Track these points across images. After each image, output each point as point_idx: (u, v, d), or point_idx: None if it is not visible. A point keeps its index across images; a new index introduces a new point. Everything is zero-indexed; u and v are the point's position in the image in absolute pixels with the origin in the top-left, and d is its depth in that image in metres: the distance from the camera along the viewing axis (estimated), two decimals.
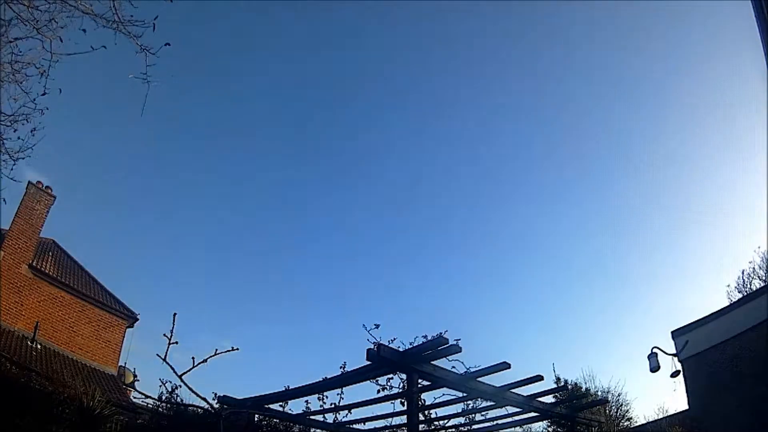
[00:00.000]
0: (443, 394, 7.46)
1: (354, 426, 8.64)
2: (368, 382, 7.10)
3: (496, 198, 38.06)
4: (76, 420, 6.07)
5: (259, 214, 40.43)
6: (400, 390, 7.20)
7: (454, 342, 5.94)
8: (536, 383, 7.26)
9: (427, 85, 34.63)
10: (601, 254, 37.34)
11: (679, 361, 12.63)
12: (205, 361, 6.89)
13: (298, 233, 40.65)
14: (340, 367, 7.01)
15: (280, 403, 7.97)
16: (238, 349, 7.16)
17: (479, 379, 6.75)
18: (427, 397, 7.57)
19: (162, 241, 37.02)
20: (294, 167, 38.77)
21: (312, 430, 8.69)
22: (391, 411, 7.70)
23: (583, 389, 17.02)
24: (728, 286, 21.93)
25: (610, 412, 17.32)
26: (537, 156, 36.28)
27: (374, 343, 6.28)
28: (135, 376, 16.02)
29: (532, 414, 8.35)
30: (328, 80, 34.85)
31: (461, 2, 29.84)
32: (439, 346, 5.99)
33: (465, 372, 6.64)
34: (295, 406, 8.09)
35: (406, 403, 6.68)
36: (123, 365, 17.60)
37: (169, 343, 6.75)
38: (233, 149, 36.82)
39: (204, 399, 7.05)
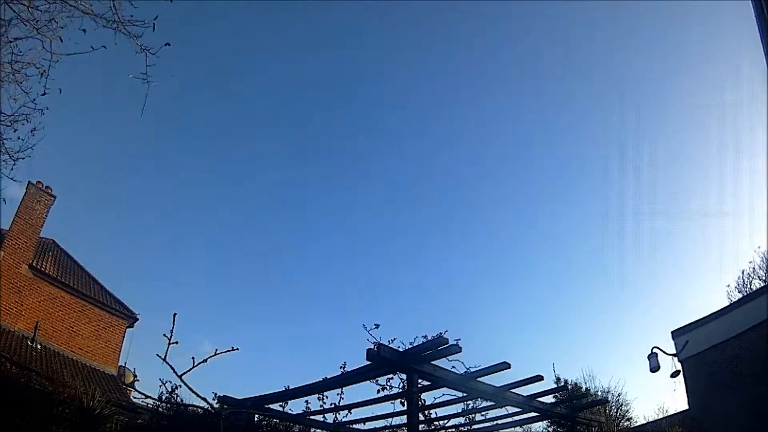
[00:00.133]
0: (443, 394, 7.47)
1: (354, 426, 8.63)
2: (368, 382, 7.10)
3: (497, 198, 38.09)
4: (76, 420, 6.07)
5: (259, 214, 40.47)
6: (400, 390, 7.20)
7: (454, 342, 5.94)
8: (536, 383, 7.26)
9: (427, 85, 34.67)
10: (601, 254, 37.37)
11: (679, 361, 12.62)
12: (205, 361, 6.89)
13: (298, 233, 40.68)
14: (340, 367, 7.02)
15: (280, 403, 7.96)
16: (238, 349, 7.16)
17: (479, 379, 6.75)
18: (427, 397, 7.57)
19: (162, 241, 37.06)
20: (294, 167, 38.80)
21: (312, 430, 8.68)
22: (391, 411, 7.71)
23: (583, 389, 17.02)
24: (728, 286, 21.96)
25: (610, 412, 17.32)
26: (537, 156, 36.31)
27: (374, 343, 6.29)
28: (135, 376, 16.03)
29: (532, 414, 8.35)
30: (329, 80, 34.90)
31: (461, 2, 29.86)
32: (439, 346, 5.99)
33: (465, 372, 6.63)
34: (295, 406, 8.10)
35: (406, 403, 6.68)
36: (123, 365, 17.61)
37: (169, 343, 6.75)
38: (233, 149, 36.87)
39: (204, 399, 7.06)
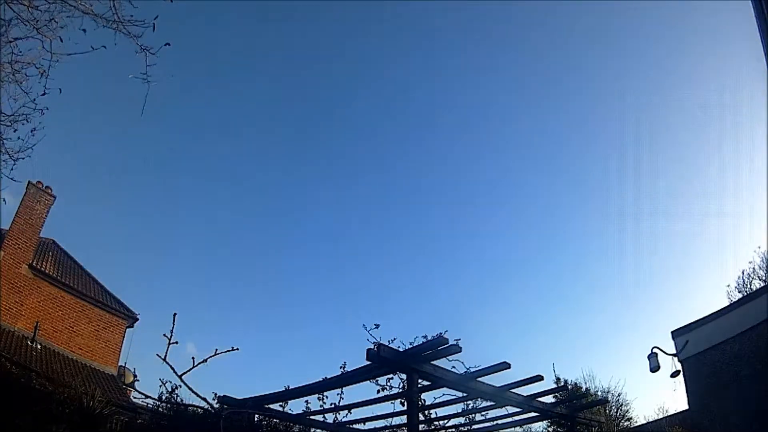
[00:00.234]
0: (443, 394, 7.46)
1: (354, 426, 8.63)
2: (368, 382, 7.09)
3: (498, 198, 38.08)
4: (76, 420, 6.07)
5: (258, 215, 40.46)
6: (400, 390, 7.20)
7: (454, 342, 5.93)
8: (536, 383, 7.26)
9: (428, 84, 34.66)
10: (601, 254, 37.36)
11: (679, 361, 12.62)
12: (205, 361, 6.91)
13: (298, 234, 40.66)
14: (340, 367, 7.01)
15: (280, 403, 7.96)
16: (237, 349, 7.18)
17: (479, 379, 6.75)
18: (427, 397, 7.56)
19: (162, 242, 37.04)
20: (294, 168, 38.78)
21: (312, 430, 8.67)
22: (391, 411, 7.70)
23: (583, 389, 17.05)
24: (728, 286, 21.96)
25: (610, 412, 17.34)
26: (537, 156, 36.30)
27: (374, 343, 6.29)
28: (135, 376, 16.04)
29: (532, 414, 8.34)
30: (329, 81, 34.88)
31: (462, 2, 29.85)
32: (439, 346, 5.99)
33: (465, 372, 6.63)
34: (295, 406, 8.10)
35: (406, 403, 6.68)
36: (123, 365, 17.61)
37: (169, 343, 6.77)
38: (233, 149, 36.85)
39: (204, 399, 7.07)
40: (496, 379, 6.89)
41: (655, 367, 12.11)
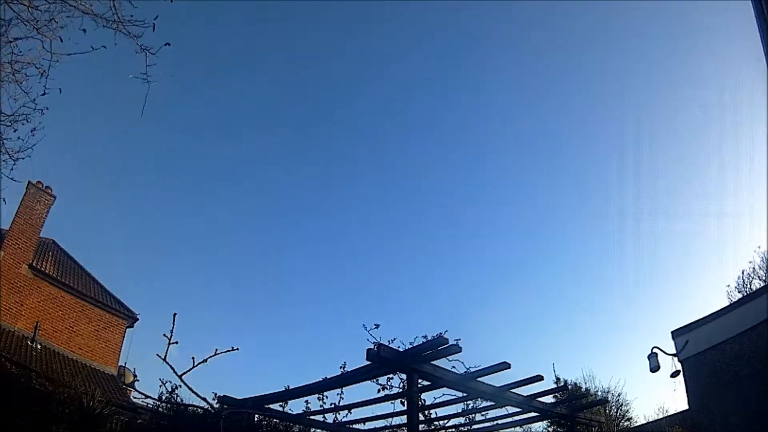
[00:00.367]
0: (443, 394, 7.47)
1: (354, 426, 8.63)
2: (368, 382, 7.09)
3: (498, 199, 38.08)
4: (76, 420, 6.07)
5: (258, 215, 40.46)
6: (400, 390, 7.20)
7: (454, 342, 5.94)
8: (536, 383, 7.26)
9: (428, 84, 34.65)
10: (601, 254, 37.37)
11: (679, 361, 12.62)
12: (205, 361, 6.92)
13: (298, 234, 40.66)
14: (340, 367, 7.01)
15: (280, 403, 7.96)
16: (237, 349, 7.19)
17: (479, 379, 6.75)
18: (427, 397, 7.57)
19: (162, 242, 37.04)
20: (294, 168, 38.78)
21: (312, 430, 8.68)
22: (391, 411, 7.71)
23: (583, 389, 17.05)
24: (728, 286, 21.95)
25: (610, 412, 17.34)
26: (537, 156, 36.31)
27: (374, 343, 6.29)
28: (135, 376, 16.04)
29: (532, 414, 8.34)
30: (329, 81, 34.88)
31: (462, 2, 29.85)
32: (439, 346, 5.99)
33: (465, 372, 6.63)
34: (295, 407, 8.10)
35: (406, 403, 6.68)
36: (123, 365, 17.62)
37: (169, 343, 6.77)
38: (233, 149, 36.84)
39: (204, 399, 7.07)
40: (496, 379, 6.90)
41: (655, 367, 12.10)
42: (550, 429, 14.40)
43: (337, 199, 38.22)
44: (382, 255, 40.98)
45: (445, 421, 8.82)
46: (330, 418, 8.34)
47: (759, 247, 20.73)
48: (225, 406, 7.36)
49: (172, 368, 6.82)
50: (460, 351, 6.04)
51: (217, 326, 30.29)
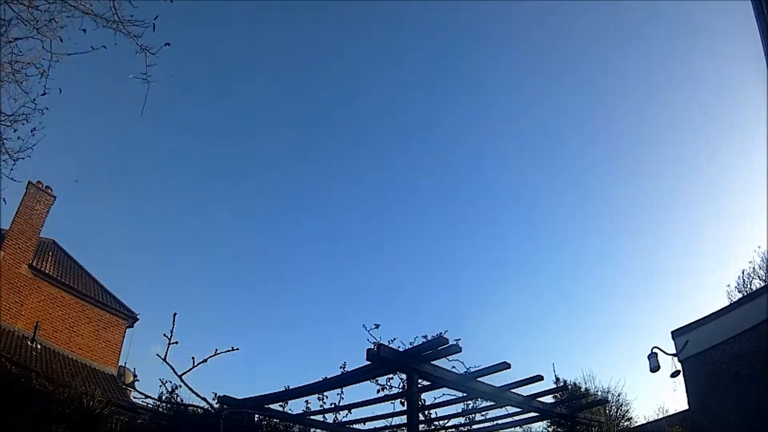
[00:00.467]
0: (443, 394, 7.46)
1: (354, 426, 8.63)
2: (368, 382, 7.09)
3: (499, 199, 38.09)
4: (76, 420, 6.07)
5: (258, 216, 40.45)
6: (400, 390, 7.20)
7: (454, 342, 5.93)
8: (536, 383, 7.26)
9: (428, 84, 34.66)
10: (601, 255, 37.36)
11: (679, 361, 12.62)
12: (205, 361, 6.91)
13: (298, 234, 40.66)
14: (340, 367, 7.01)
15: (280, 403, 7.96)
16: (237, 349, 7.18)
17: (479, 379, 6.75)
18: (427, 397, 7.56)
19: (162, 242, 37.04)
20: (294, 169, 38.78)
21: (312, 430, 8.68)
22: (391, 411, 7.70)
23: (583, 389, 17.05)
24: (728, 286, 21.97)
25: (610, 412, 17.34)
26: (538, 157, 36.31)
27: (374, 343, 6.29)
28: (135, 376, 16.04)
29: (532, 414, 8.34)
30: (329, 82, 34.87)
31: (462, 2, 29.86)
32: (439, 346, 5.99)
33: (465, 372, 6.63)
34: (295, 407, 8.10)
35: (406, 403, 6.68)
36: (123, 365, 17.62)
37: (169, 343, 6.77)
38: (233, 150, 36.85)
39: (204, 399, 7.06)
40: (496, 379, 6.90)
41: (655, 367, 12.11)
42: (550, 429, 14.40)
43: (337, 199, 38.26)
44: (382, 255, 41.00)
45: (445, 421, 8.82)
46: (330, 418, 8.34)
47: (759, 247, 20.76)
48: (225, 406, 7.36)
49: (172, 368, 6.83)
50: (460, 351, 6.04)
51: (217, 326, 30.30)
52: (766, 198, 10.11)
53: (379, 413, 8.06)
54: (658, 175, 34.36)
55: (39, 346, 14.87)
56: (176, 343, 6.79)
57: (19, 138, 5.33)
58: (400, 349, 6.17)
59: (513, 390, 7.25)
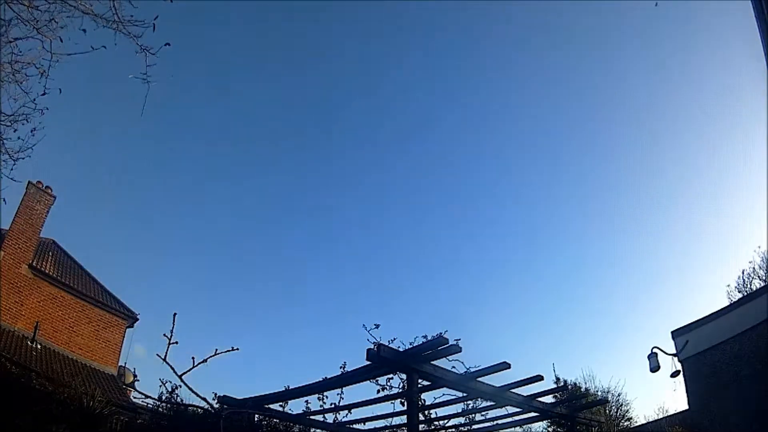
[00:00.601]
0: (443, 394, 7.47)
1: (354, 426, 8.63)
2: (368, 382, 7.10)
3: (499, 200, 38.09)
4: (76, 420, 6.07)
5: (258, 216, 40.44)
6: (400, 390, 7.20)
7: (454, 342, 5.94)
8: (536, 383, 7.26)
9: (428, 84, 34.67)
10: (601, 255, 37.37)
11: (679, 361, 12.62)
12: (205, 361, 6.91)
13: (298, 235, 40.65)
14: (340, 367, 7.01)
15: (280, 403, 7.96)
16: (237, 349, 7.18)
17: (479, 379, 6.75)
18: (427, 397, 7.57)
19: (162, 242, 37.03)
20: (294, 169, 38.78)
21: (312, 430, 8.68)
22: (391, 411, 7.71)
23: (583, 389, 17.04)
24: (728, 286, 21.96)
25: (610, 412, 17.33)
26: (538, 157, 36.32)
27: (374, 343, 6.29)
28: (135, 376, 16.04)
29: (532, 414, 8.34)
30: (330, 82, 34.88)
31: (462, 2, 29.85)
32: (439, 346, 5.99)
33: (465, 372, 6.63)
34: (295, 407, 8.10)
35: (406, 403, 6.68)
36: (123, 365, 17.62)
37: (169, 343, 6.77)
38: (233, 150, 36.84)
39: (204, 399, 7.07)
40: (496, 379, 6.91)
41: (655, 367, 12.10)
42: (550, 429, 14.39)
43: (337, 199, 38.25)
44: (382, 255, 41.00)
45: (445, 421, 8.82)
46: (330, 418, 8.35)
47: (759, 247, 20.75)
48: (225, 406, 7.36)
49: (172, 368, 6.83)
50: (460, 351, 6.04)
51: (217, 326, 30.30)
52: (766, 198, 10.10)
53: (379, 413, 8.07)
54: (658, 176, 34.39)
55: (39, 346, 14.87)
56: (176, 343, 6.80)
57: (19, 138, 5.35)
58: (400, 349, 6.17)
59: (513, 390, 7.25)
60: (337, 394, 7.71)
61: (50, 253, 17.86)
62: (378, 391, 7.34)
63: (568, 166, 35.59)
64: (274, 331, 40.15)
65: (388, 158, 37.54)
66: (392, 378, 7.25)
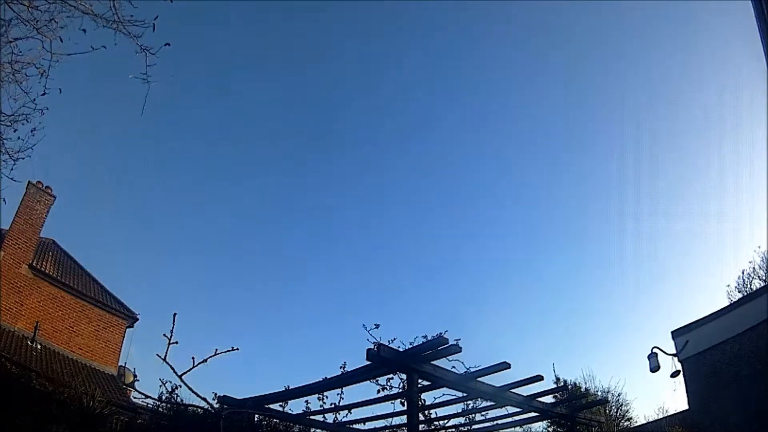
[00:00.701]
0: (443, 394, 7.47)
1: (354, 426, 8.63)
2: (368, 382, 7.10)
3: (499, 200, 38.09)
4: (76, 420, 6.07)
5: (258, 217, 40.43)
6: (400, 390, 7.20)
7: (454, 342, 5.94)
8: (536, 383, 7.26)
9: (428, 84, 34.68)
10: (601, 255, 37.37)
11: (679, 361, 12.62)
12: (205, 361, 6.91)
13: (298, 235, 40.64)
14: (340, 367, 7.01)
15: (280, 403, 7.97)
16: (237, 349, 7.18)
17: (479, 379, 6.75)
18: (427, 397, 7.57)
19: (162, 242, 37.03)
20: (294, 169, 38.79)
21: (312, 430, 8.68)
22: (391, 411, 7.71)
23: (583, 389, 17.03)
24: (728, 286, 21.94)
25: (610, 412, 17.33)
26: (538, 157, 36.32)
27: (374, 343, 6.29)
28: (135, 376, 16.05)
29: (532, 414, 8.34)
30: (330, 82, 34.88)
31: (463, 2, 29.86)
32: (439, 346, 5.99)
33: (465, 372, 6.63)
34: (295, 407, 8.10)
35: (406, 403, 6.68)
36: (123, 365, 17.62)
37: (169, 343, 6.77)
38: (233, 150, 36.84)
39: (204, 399, 7.07)
40: (496, 379, 6.90)
41: (655, 367, 12.10)
42: (550, 429, 14.38)
43: (337, 199, 38.25)
44: (382, 255, 41.00)
45: (445, 421, 8.82)
46: (330, 418, 8.35)
47: (759, 247, 20.74)
48: (225, 406, 7.36)
49: (172, 368, 6.83)
50: (460, 351, 6.04)
51: (217, 326, 30.28)
52: (766, 198, 10.11)
53: (379, 413, 8.07)
54: (658, 176, 34.39)
55: (39, 346, 14.87)
56: (176, 343, 6.80)
57: (19, 138, 5.35)
58: (400, 349, 6.17)
59: (513, 390, 7.25)
60: (337, 394, 7.72)
61: (50, 253, 17.86)
62: (378, 391, 7.34)
63: (568, 166, 35.61)
64: (274, 331, 40.17)
65: (388, 158, 37.56)
66: (392, 378, 7.26)
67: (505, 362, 6.55)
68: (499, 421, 8.54)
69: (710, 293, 29.76)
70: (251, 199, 38.62)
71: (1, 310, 13.83)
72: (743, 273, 21.41)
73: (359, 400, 7.63)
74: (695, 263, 36.50)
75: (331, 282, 40.92)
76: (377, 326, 6.67)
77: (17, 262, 15.53)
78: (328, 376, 7.07)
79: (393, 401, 7.43)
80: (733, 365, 11.53)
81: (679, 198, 35.21)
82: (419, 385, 6.41)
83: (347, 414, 8.17)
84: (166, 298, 33.00)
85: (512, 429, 9.11)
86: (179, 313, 6.81)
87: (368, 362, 5.95)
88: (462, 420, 8.70)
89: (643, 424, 16.55)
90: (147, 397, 7.74)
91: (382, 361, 5.87)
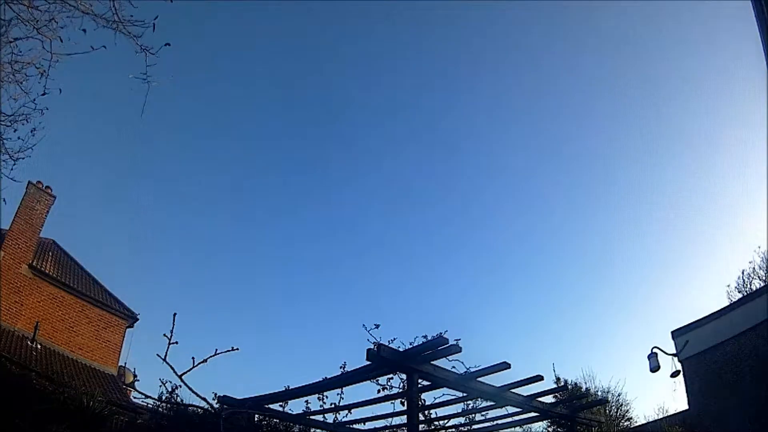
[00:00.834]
0: (443, 394, 7.47)
1: (354, 426, 8.63)
2: (368, 382, 7.10)
3: (499, 200, 38.08)
4: (76, 420, 6.07)
5: (258, 216, 40.44)
6: (400, 390, 7.20)
7: (454, 342, 5.94)
8: (536, 383, 7.26)
9: (429, 84, 34.67)
10: (601, 255, 37.38)
11: (679, 361, 12.61)
12: (205, 361, 6.91)
13: (298, 235, 40.65)
14: (340, 367, 7.02)
15: (280, 403, 7.96)
16: (237, 349, 7.17)
17: (479, 379, 6.75)
18: (427, 397, 7.57)
19: (162, 242, 37.04)
20: (294, 169, 38.78)
21: (312, 430, 8.68)
22: (391, 411, 7.71)
23: (583, 389, 17.00)
24: (728, 286, 21.86)
25: (610, 412, 17.29)
26: (537, 158, 36.31)
27: (374, 343, 6.29)
28: (135, 376, 16.05)
29: (532, 414, 8.34)
30: (330, 82, 34.88)
31: (463, 2, 29.86)
32: (439, 346, 5.99)
33: (465, 372, 6.63)
34: (295, 407, 8.10)
35: (406, 403, 6.68)
36: (123, 365, 17.61)
37: (169, 343, 6.76)
38: (233, 151, 36.84)
39: (204, 399, 7.06)
40: (496, 379, 6.90)
41: (655, 367, 12.09)
42: (550, 429, 14.37)
43: (337, 199, 38.26)
44: (383, 255, 41.01)
45: (445, 421, 8.82)
46: (330, 418, 8.35)
47: (759, 247, 20.68)
48: (225, 406, 7.36)
49: (172, 368, 6.82)
50: (460, 351, 6.04)
51: (217, 326, 30.29)
52: (766, 198, 10.11)
53: (379, 413, 8.07)
54: (658, 176, 34.40)
55: (39, 346, 14.86)
56: (176, 343, 6.79)
57: (19, 138, 5.34)
58: (400, 349, 6.17)
59: (513, 390, 7.25)
60: (337, 394, 7.72)
61: (50, 253, 17.85)
62: (378, 391, 7.35)
63: (567, 165, 35.61)
64: (275, 331, 40.17)
65: (388, 158, 37.57)
66: (392, 378, 7.26)
67: (505, 362, 6.54)
68: (499, 421, 8.54)
69: (710, 293, 29.79)
70: (251, 198, 38.65)
71: (1, 310, 13.82)
72: (743, 273, 21.37)
73: (359, 400, 7.64)
74: (695, 263, 36.52)
75: (331, 282, 40.95)
76: (377, 326, 6.68)
77: (17, 262, 15.53)
78: (328, 376, 7.07)
79: (393, 401, 7.43)
80: (733, 365, 11.52)
81: (679, 198, 35.24)
82: (419, 385, 6.41)
83: (347, 414, 8.17)
84: (166, 298, 33.03)
85: (512, 429, 9.11)
86: (179, 313, 6.81)
87: (368, 362, 5.95)
88: (462, 420, 8.70)
89: (643, 424, 16.52)
90: (147, 397, 7.74)
91: (382, 361, 5.87)
